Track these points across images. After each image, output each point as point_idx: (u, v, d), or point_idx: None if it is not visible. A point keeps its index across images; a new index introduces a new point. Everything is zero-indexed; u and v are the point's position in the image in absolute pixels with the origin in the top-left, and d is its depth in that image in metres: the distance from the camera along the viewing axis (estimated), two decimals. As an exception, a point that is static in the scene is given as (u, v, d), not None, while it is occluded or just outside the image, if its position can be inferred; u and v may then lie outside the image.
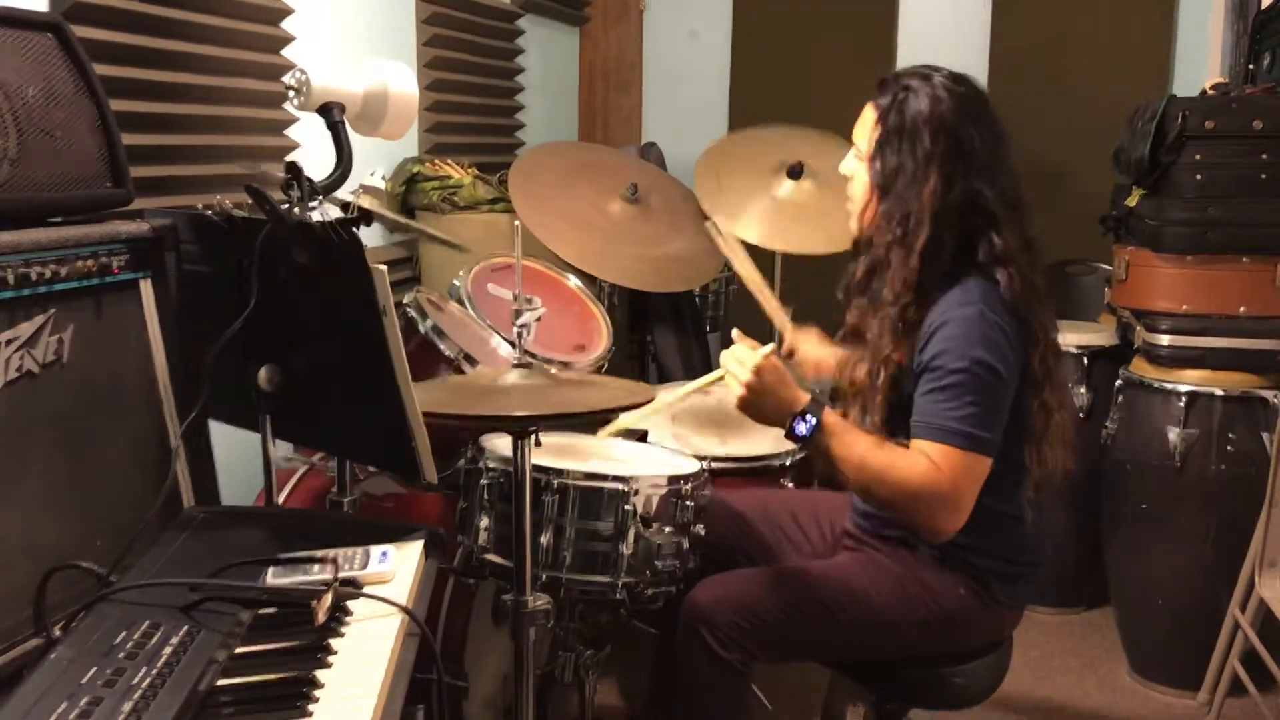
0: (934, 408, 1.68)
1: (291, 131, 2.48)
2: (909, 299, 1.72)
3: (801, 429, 1.69)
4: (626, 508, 1.78)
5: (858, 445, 1.70)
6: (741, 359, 1.71)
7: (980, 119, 1.75)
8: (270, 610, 1.22)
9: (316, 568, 1.26)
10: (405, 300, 2.20)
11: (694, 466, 1.94)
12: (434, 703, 1.37)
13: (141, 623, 1.13)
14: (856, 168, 1.85)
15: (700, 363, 3.46)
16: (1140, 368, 2.78)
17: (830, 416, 1.70)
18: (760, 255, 3.03)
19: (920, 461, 1.66)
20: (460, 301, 2.32)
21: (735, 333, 1.82)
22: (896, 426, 1.74)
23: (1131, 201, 2.86)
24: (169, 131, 2.15)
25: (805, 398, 1.71)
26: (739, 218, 2.92)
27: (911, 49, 4.16)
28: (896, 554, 1.84)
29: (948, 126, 1.72)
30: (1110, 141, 3.01)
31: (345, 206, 1.69)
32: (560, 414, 1.65)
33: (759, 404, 1.72)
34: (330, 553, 1.29)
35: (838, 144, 3.11)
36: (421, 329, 2.16)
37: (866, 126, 1.82)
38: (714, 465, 1.99)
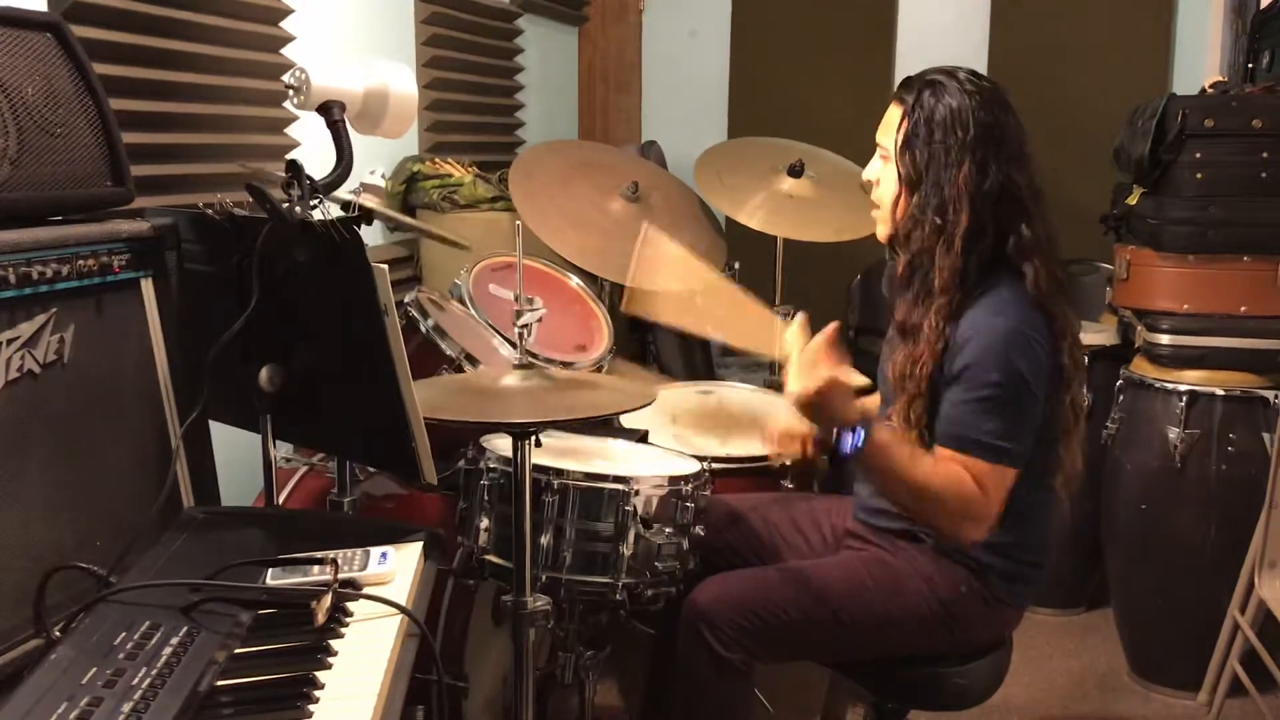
0: (965, 419, 1.68)
1: (292, 130, 2.48)
2: (957, 289, 1.72)
3: (848, 443, 1.64)
4: (627, 508, 1.78)
5: (899, 457, 1.68)
6: (813, 365, 1.64)
7: (1005, 111, 1.76)
8: (270, 611, 1.22)
9: (316, 569, 1.26)
10: (406, 299, 2.20)
11: (694, 467, 1.94)
12: (434, 703, 1.37)
13: (141, 623, 1.13)
14: (883, 170, 1.83)
15: (702, 363, 3.45)
16: (1141, 367, 2.78)
17: (880, 433, 1.67)
18: (762, 241, 3.04)
19: (955, 473, 1.67)
20: (462, 301, 2.32)
21: (801, 316, 1.74)
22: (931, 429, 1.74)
23: (1132, 200, 2.85)
24: (169, 130, 2.15)
25: (857, 414, 1.65)
26: (741, 208, 2.92)
27: (911, 47, 4.16)
28: (899, 549, 1.85)
29: (976, 115, 1.73)
30: (1110, 141, 3.00)
31: (346, 205, 1.69)
32: (562, 418, 1.65)
33: (814, 410, 1.66)
34: (330, 554, 1.29)
35: (835, 146, 3.14)
36: (423, 328, 2.16)
37: (892, 126, 1.81)
38: (714, 466, 1.99)
